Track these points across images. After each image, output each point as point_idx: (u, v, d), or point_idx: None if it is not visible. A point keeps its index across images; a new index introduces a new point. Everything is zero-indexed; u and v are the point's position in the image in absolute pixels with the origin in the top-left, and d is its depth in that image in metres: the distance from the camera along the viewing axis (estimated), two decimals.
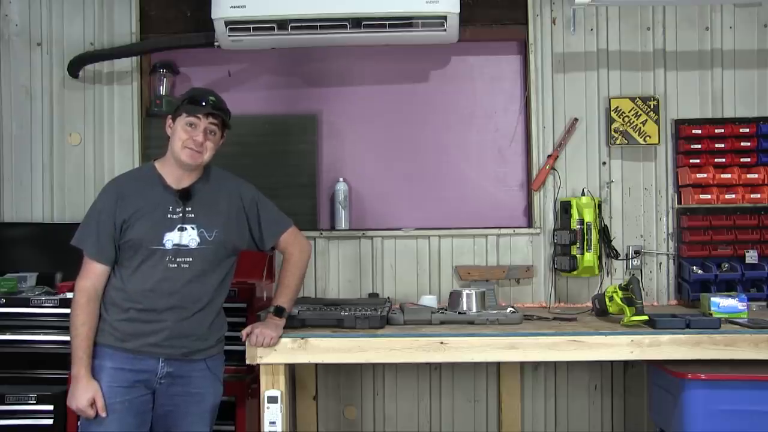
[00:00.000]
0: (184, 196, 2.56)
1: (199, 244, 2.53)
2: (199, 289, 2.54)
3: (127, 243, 2.49)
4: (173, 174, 2.58)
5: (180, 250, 2.51)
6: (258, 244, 2.75)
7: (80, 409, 2.43)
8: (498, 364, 3.71)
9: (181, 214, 2.54)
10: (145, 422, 2.52)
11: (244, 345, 2.78)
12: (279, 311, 2.75)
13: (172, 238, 2.50)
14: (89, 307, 2.47)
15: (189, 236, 2.53)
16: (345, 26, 3.40)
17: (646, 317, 2.90)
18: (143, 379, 2.49)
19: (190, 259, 2.51)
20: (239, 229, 2.67)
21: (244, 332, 2.76)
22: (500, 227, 3.77)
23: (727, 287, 3.49)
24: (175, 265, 2.50)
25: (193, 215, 2.55)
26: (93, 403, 2.42)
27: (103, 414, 2.42)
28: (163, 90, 3.86)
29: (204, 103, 2.55)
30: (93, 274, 2.49)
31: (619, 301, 3.01)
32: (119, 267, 2.52)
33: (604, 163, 3.74)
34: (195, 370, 2.57)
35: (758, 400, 2.83)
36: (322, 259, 3.77)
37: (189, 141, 2.53)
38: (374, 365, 3.76)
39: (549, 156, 3.73)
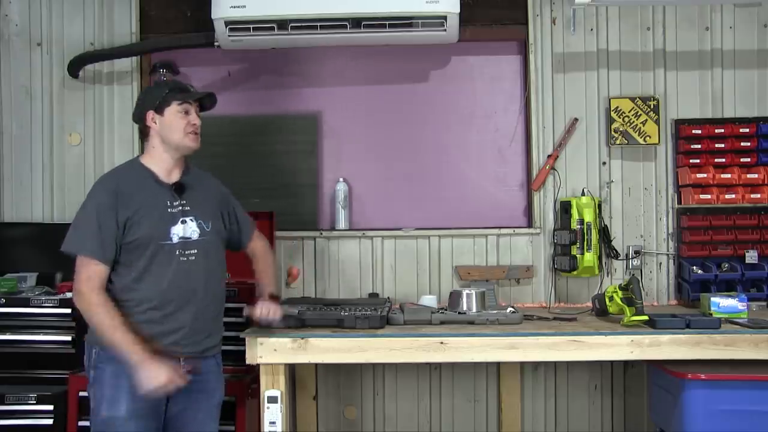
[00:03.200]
0: (179, 189, 2.56)
1: (200, 235, 2.54)
2: (208, 282, 2.54)
3: (134, 242, 2.44)
4: (164, 168, 2.56)
5: (186, 242, 2.50)
6: (234, 242, 2.77)
7: (163, 384, 2.36)
8: (498, 364, 3.71)
9: (180, 207, 2.53)
10: (160, 425, 2.51)
11: (245, 345, 2.78)
12: (274, 297, 2.77)
13: (177, 232, 2.50)
14: (108, 303, 2.39)
15: (191, 228, 2.53)
16: (345, 26, 3.40)
17: (646, 317, 2.90)
18: None
19: (195, 251, 2.52)
20: (223, 222, 2.69)
21: (250, 310, 2.72)
22: (500, 227, 3.77)
23: (727, 287, 3.49)
24: (185, 259, 2.49)
25: (189, 207, 2.55)
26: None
27: (182, 382, 2.41)
28: None
29: (189, 91, 2.59)
30: (96, 275, 2.41)
31: (619, 301, 3.01)
32: (126, 269, 2.45)
33: (604, 163, 3.74)
34: (208, 367, 2.59)
35: (758, 400, 2.83)
36: (322, 259, 3.77)
37: (189, 126, 2.53)
38: (374, 365, 3.76)
39: (549, 156, 3.73)
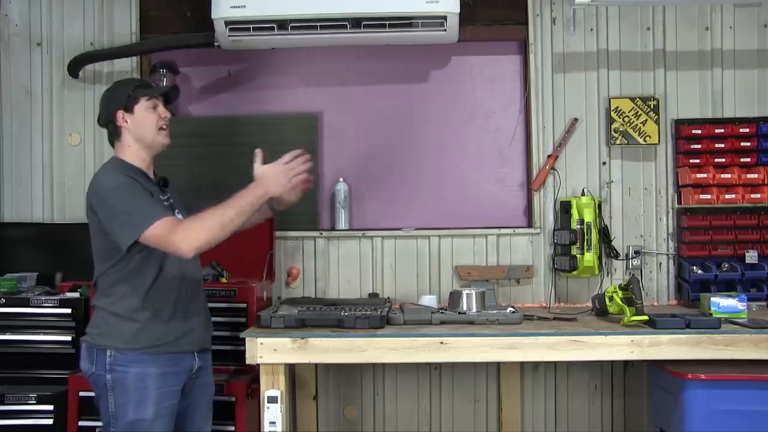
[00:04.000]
0: (165, 183, 2.58)
1: None
2: (199, 271, 2.59)
3: None
4: (144, 164, 2.52)
5: None
6: None
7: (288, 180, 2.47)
8: (498, 364, 3.71)
9: (170, 201, 2.56)
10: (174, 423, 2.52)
11: (244, 345, 2.79)
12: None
13: None
14: (190, 216, 2.38)
15: None
16: (345, 26, 3.40)
17: (646, 317, 2.90)
18: (184, 379, 2.49)
19: None
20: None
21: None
22: (500, 227, 3.77)
23: (727, 287, 3.49)
24: None
25: (172, 201, 2.57)
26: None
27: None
28: None
29: (152, 86, 2.57)
30: (175, 222, 2.33)
31: (619, 301, 3.01)
32: (146, 263, 2.39)
33: (604, 163, 3.74)
34: (208, 361, 2.63)
35: (758, 400, 2.83)
36: (322, 259, 3.77)
37: (161, 121, 2.51)
38: (374, 365, 3.76)
39: (549, 156, 3.73)
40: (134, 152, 2.51)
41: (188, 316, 2.49)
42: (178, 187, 2.73)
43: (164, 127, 2.52)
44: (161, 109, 2.53)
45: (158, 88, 2.59)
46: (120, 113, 2.49)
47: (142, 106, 2.49)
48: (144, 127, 2.49)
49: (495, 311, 3.12)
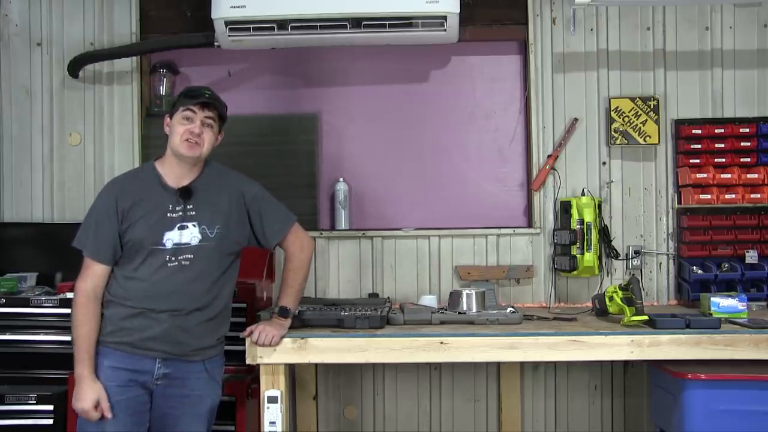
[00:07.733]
0: (185, 194, 2.56)
1: (200, 241, 2.53)
2: (200, 288, 2.53)
3: (128, 243, 2.50)
4: (173, 172, 2.59)
5: (180, 248, 2.51)
6: (261, 242, 2.73)
7: (85, 410, 2.42)
8: (498, 364, 3.71)
9: (181, 213, 2.54)
10: (142, 422, 2.52)
11: (245, 345, 2.78)
12: (284, 312, 2.75)
13: (172, 238, 2.51)
14: (89, 307, 2.48)
15: (190, 234, 2.53)
16: (345, 26, 3.40)
17: (646, 317, 2.90)
18: (140, 379, 2.49)
19: (191, 256, 2.51)
20: (240, 224, 2.66)
21: (246, 331, 2.77)
22: (500, 227, 3.77)
23: (727, 287, 3.49)
24: (176, 263, 2.50)
25: (194, 212, 2.55)
26: (98, 405, 2.43)
27: (108, 415, 2.42)
28: (163, 90, 3.86)
29: (199, 97, 2.58)
30: (92, 274, 2.50)
31: (619, 301, 3.01)
32: (119, 267, 2.53)
33: (604, 163, 3.74)
34: (192, 372, 2.56)
35: (758, 400, 2.83)
36: (322, 259, 3.77)
37: (186, 133, 2.54)
38: (374, 365, 3.76)
39: (549, 156, 3.73)
40: (168, 157, 2.62)
41: (151, 323, 2.48)
42: (235, 193, 2.66)
43: (189, 139, 2.54)
44: (195, 124, 2.55)
45: (190, 100, 2.58)
46: (167, 119, 2.64)
47: (179, 116, 2.58)
48: (172, 135, 2.58)
49: (495, 311, 3.12)
